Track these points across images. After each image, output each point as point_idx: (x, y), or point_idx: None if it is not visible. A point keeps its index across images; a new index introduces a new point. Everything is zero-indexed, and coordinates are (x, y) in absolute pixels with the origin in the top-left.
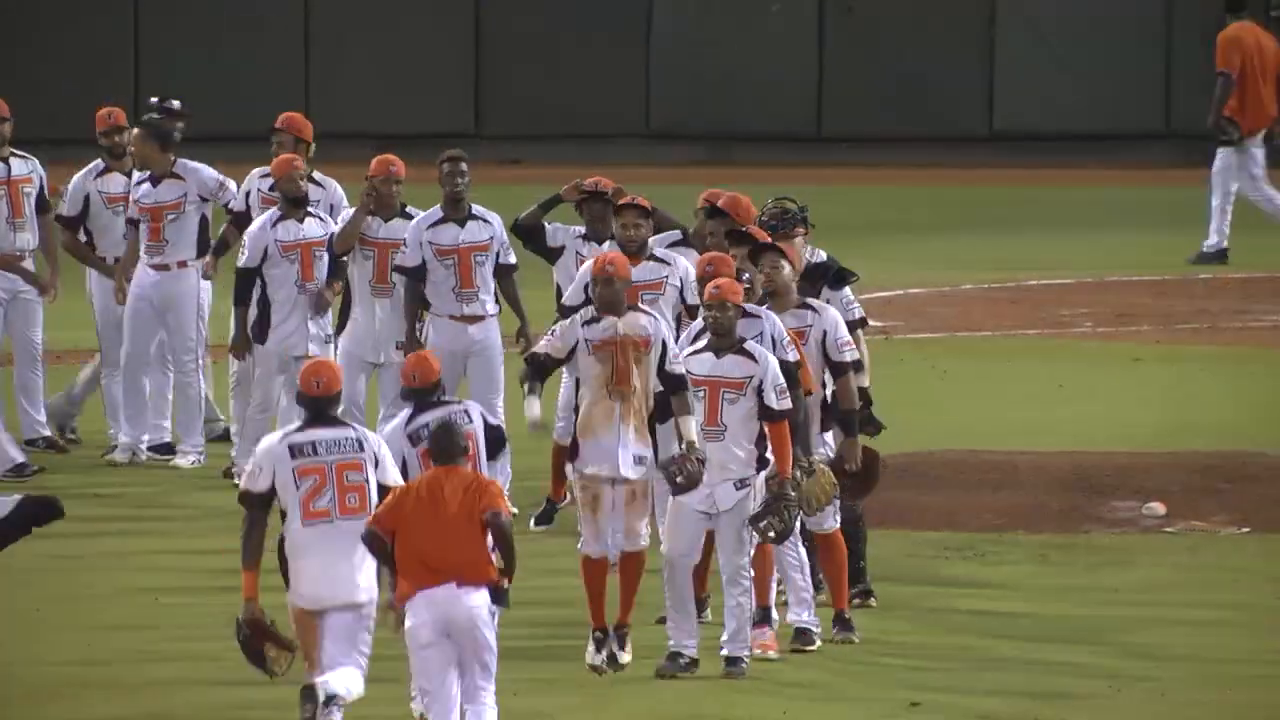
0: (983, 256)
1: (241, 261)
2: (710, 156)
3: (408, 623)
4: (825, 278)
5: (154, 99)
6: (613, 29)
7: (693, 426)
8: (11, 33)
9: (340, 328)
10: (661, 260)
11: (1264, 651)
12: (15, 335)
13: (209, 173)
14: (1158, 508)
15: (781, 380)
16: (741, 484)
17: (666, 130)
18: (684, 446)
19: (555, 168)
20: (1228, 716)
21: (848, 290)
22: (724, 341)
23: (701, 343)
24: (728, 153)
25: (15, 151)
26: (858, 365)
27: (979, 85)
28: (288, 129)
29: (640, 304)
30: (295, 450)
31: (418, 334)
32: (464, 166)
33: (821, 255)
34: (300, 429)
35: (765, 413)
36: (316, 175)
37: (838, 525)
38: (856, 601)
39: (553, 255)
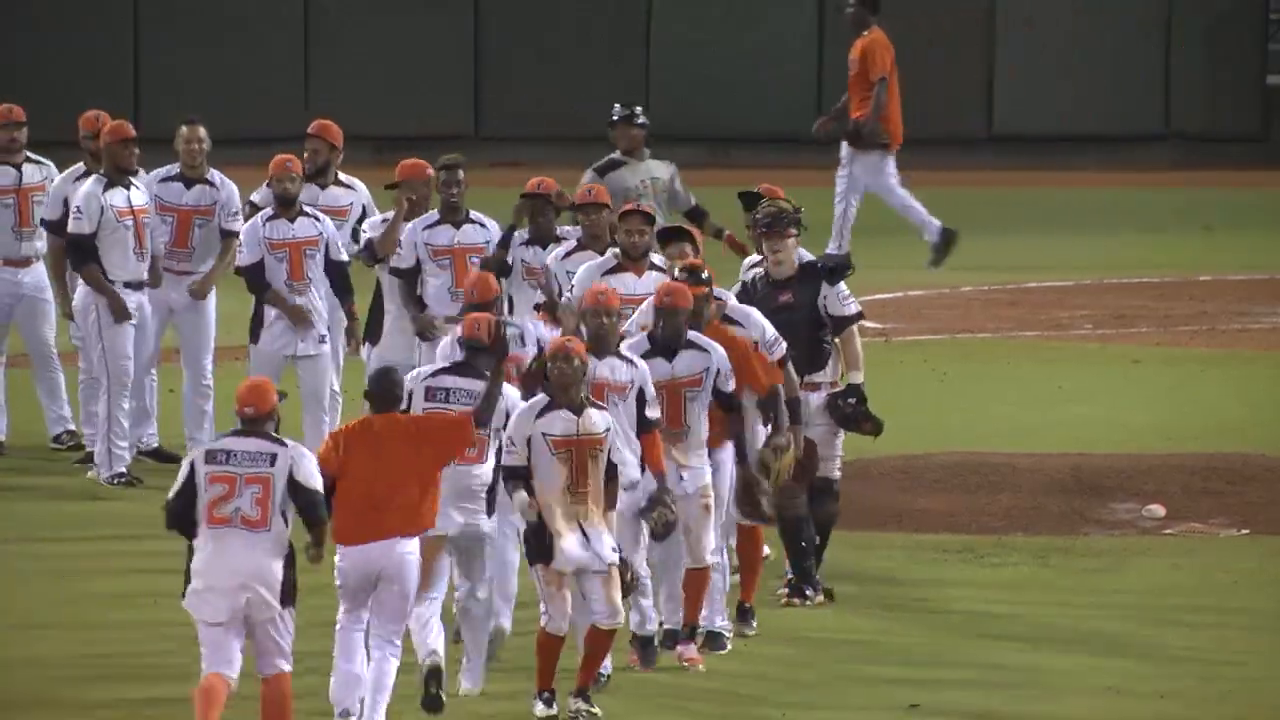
0: (982, 259)
1: (241, 260)
2: (710, 158)
3: (339, 562)
4: (820, 275)
5: None
6: (612, 31)
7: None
8: (10, 35)
9: (370, 332)
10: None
11: (1263, 653)
12: (27, 335)
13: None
14: (1157, 510)
15: (652, 391)
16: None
17: (666, 132)
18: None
19: (555, 170)
20: (1227, 717)
21: (843, 285)
22: (603, 346)
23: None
24: (727, 154)
25: (31, 156)
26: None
27: (978, 87)
28: (323, 136)
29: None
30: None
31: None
32: (460, 175)
33: (806, 255)
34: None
35: (641, 422)
36: (344, 177)
37: (760, 522)
38: (821, 599)
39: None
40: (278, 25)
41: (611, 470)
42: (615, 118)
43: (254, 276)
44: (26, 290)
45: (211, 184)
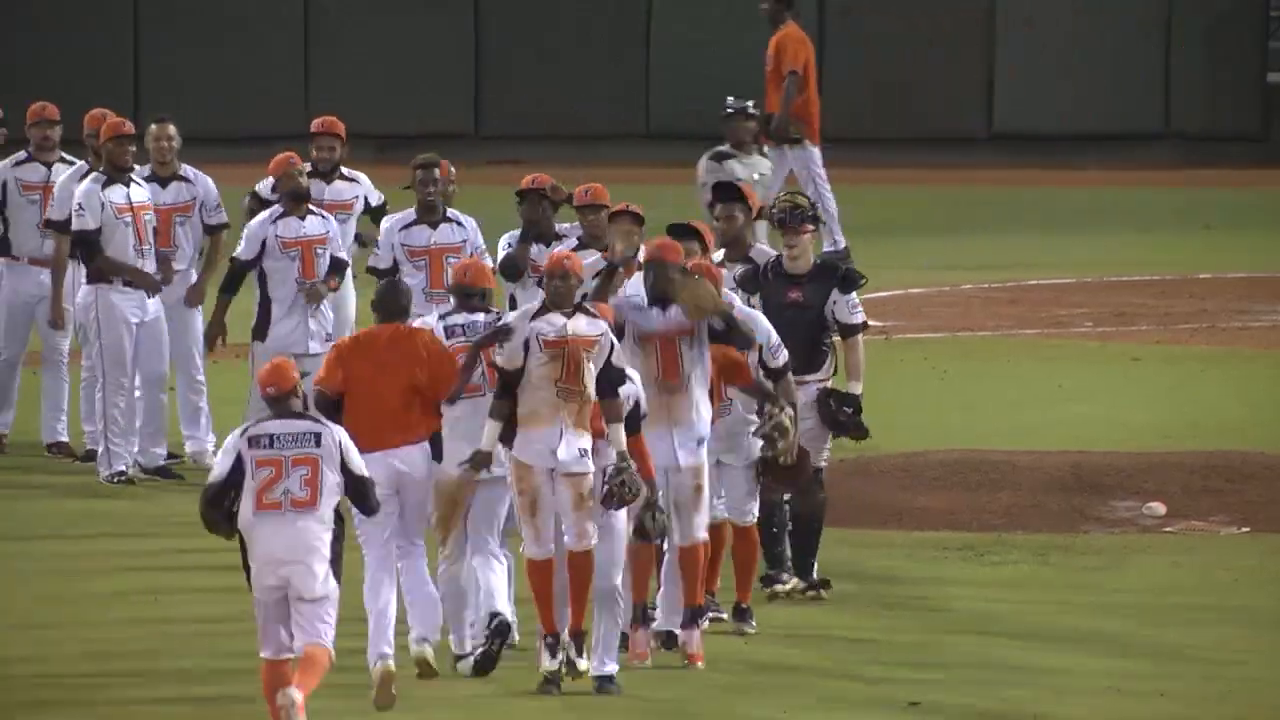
0: (982, 257)
1: (237, 253)
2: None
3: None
4: (834, 279)
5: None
6: (613, 30)
7: (622, 435)
8: (11, 34)
9: None
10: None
11: (1264, 651)
12: (44, 335)
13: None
14: (1157, 508)
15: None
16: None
17: (666, 131)
18: (615, 456)
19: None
20: (1227, 717)
21: (854, 293)
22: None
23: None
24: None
25: (65, 156)
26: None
27: (978, 86)
28: (332, 131)
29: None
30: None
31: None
32: (437, 173)
33: (771, 253)
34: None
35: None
36: (346, 171)
37: (755, 519)
38: (811, 594)
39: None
40: (278, 25)
41: (620, 378)
42: (729, 111)
43: (236, 276)
44: (49, 291)
45: (186, 179)
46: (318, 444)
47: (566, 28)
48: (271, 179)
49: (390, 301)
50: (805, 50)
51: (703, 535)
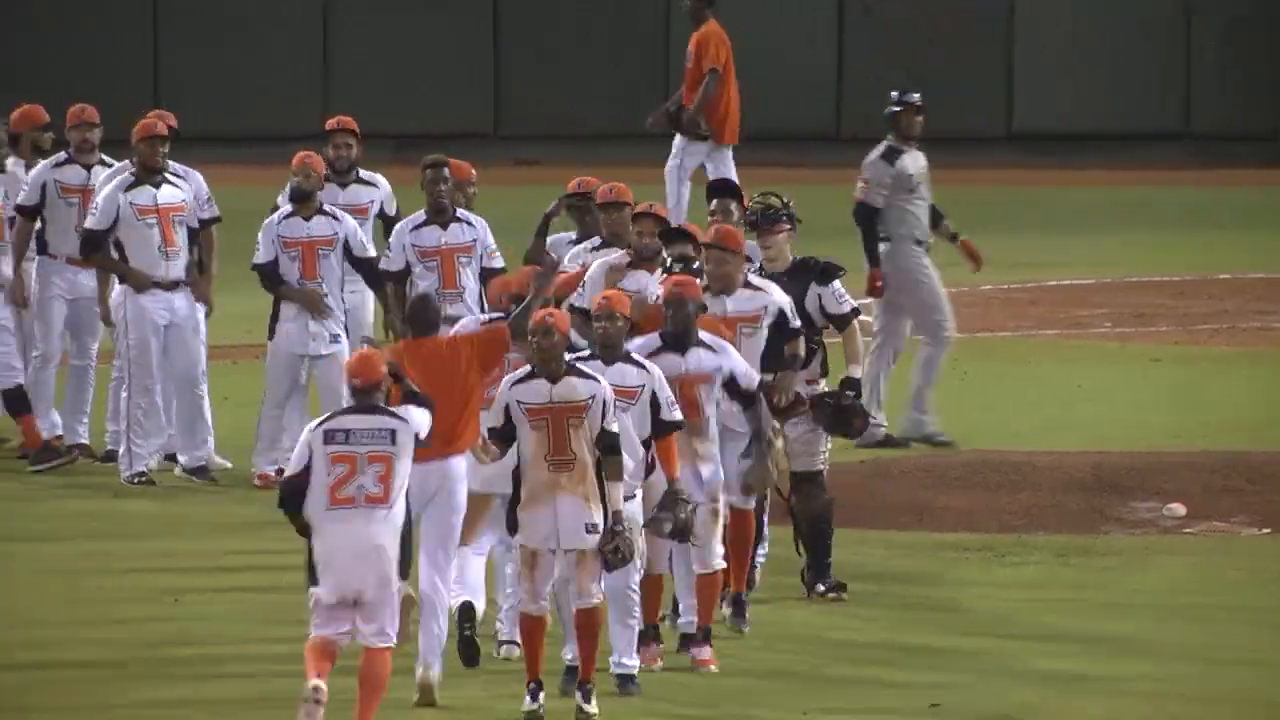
0: (1001, 257)
1: (256, 258)
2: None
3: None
4: (811, 274)
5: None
6: (631, 29)
7: (618, 494)
8: (29, 33)
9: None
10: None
11: None
12: (73, 336)
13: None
14: (1178, 508)
15: (668, 393)
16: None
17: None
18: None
19: (573, 169)
20: (1244, 718)
21: (837, 284)
22: (612, 353)
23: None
24: (747, 152)
25: (105, 159)
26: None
27: (998, 85)
28: (345, 129)
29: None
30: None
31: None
32: (446, 173)
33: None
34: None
35: (656, 425)
36: (365, 174)
37: (752, 505)
38: (831, 596)
39: None
40: (296, 24)
41: (613, 441)
42: (897, 106)
43: (268, 275)
44: (84, 292)
45: (179, 176)
46: (393, 441)
47: (585, 28)
48: (290, 185)
49: (423, 316)
50: (725, 48)
51: (719, 564)
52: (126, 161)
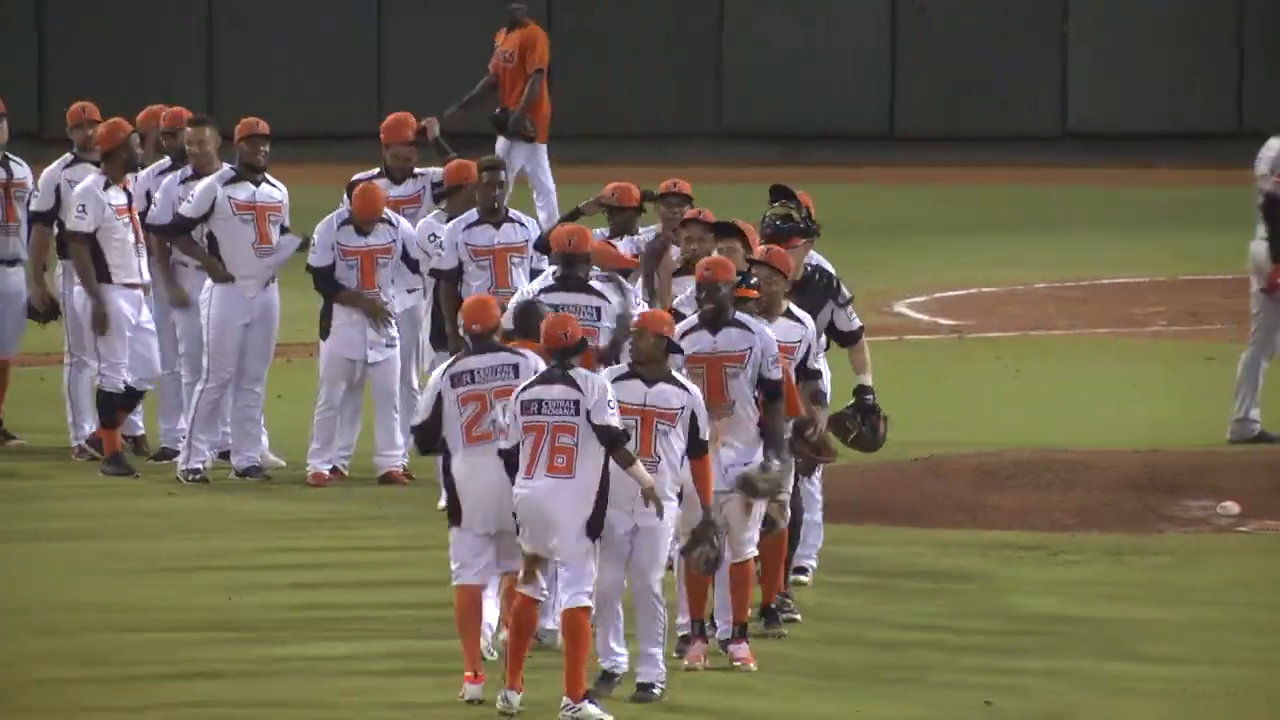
0: (1055, 255)
1: (312, 260)
2: (782, 156)
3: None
4: (827, 291)
5: None
6: (685, 28)
7: (709, 490)
8: (80, 33)
9: (435, 337)
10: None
11: None
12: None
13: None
14: (1231, 507)
15: (705, 415)
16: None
17: (738, 129)
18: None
19: (626, 167)
20: None
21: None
22: (655, 370)
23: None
24: (800, 152)
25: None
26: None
27: (1052, 84)
28: (401, 140)
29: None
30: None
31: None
32: (503, 175)
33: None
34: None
35: (693, 445)
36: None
37: (754, 554)
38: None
39: None
40: (349, 25)
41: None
42: None
43: (324, 279)
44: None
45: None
46: (516, 374)
47: (638, 26)
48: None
49: (525, 322)
50: (547, 48)
51: (752, 551)
52: (167, 159)
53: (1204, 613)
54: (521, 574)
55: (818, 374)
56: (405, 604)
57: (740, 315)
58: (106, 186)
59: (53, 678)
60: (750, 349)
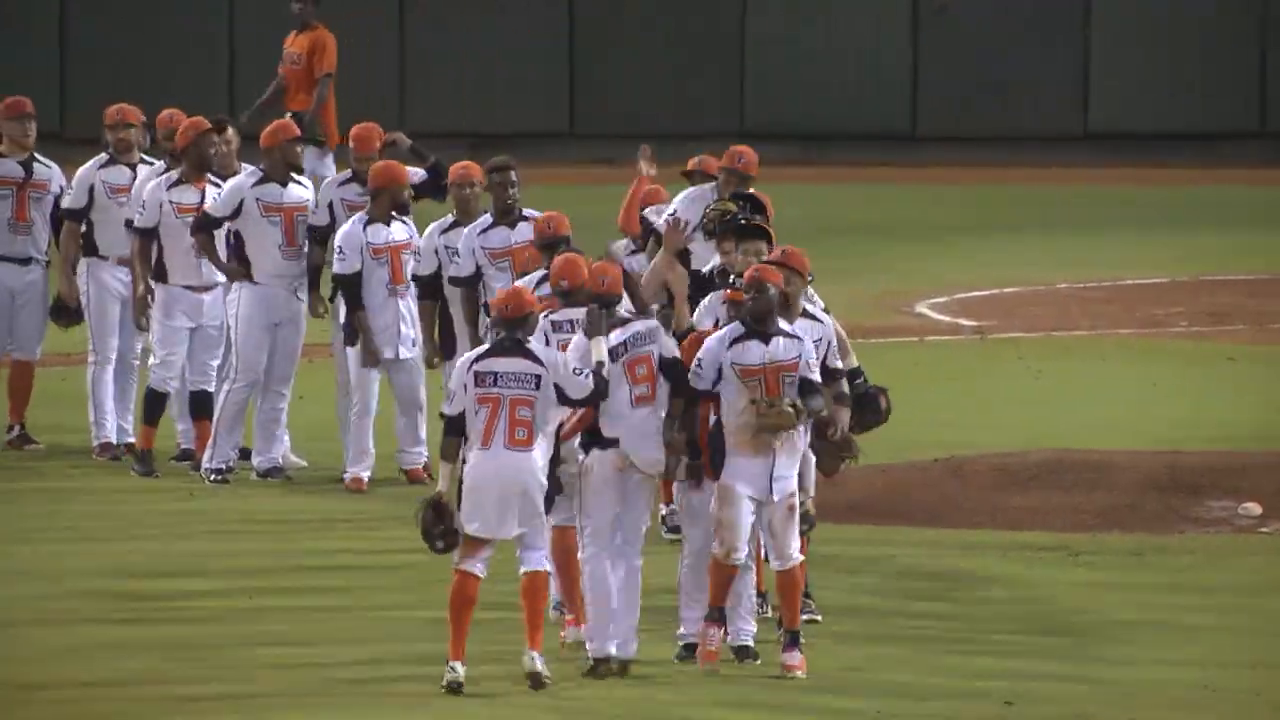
0: (1077, 256)
1: (340, 268)
2: (805, 156)
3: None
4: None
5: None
6: (707, 29)
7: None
8: (104, 31)
9: (444, 344)
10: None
11: None
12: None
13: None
14: (1253, 508)
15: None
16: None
17: (761, 130)
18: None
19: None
20: None
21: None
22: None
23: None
24: (823, 152)
25: (145, 159)
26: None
27: (1074, 85)
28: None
29: None
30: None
31: (482, 338)
32: (514, 176)
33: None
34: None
35: (824, 375)
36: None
37: (801, 560)
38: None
39: None
40: (373, 26)
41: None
42: None
43: (352, 287)
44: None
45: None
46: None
47: (661, 27)
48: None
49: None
50: (335, 51)
51: (798, 557)
52: (162, 162)
53: (1226, 613)
54: (459, 555)
55: (839, 373)
56: (430, 604)
57: (783, 323)
58: (174, 185)
59: (68, 679)
60: (800, 356)
